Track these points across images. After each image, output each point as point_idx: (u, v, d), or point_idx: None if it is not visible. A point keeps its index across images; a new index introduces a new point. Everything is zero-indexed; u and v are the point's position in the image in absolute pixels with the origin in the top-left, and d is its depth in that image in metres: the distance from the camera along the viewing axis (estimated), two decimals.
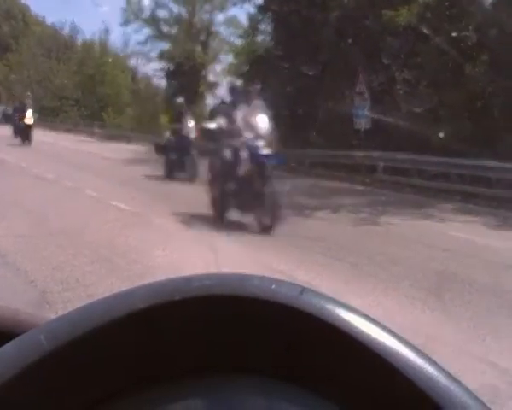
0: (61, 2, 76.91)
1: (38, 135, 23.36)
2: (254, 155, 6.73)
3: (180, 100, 12.90)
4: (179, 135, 11.81)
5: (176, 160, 11.55)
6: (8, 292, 4.14)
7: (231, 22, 33.16)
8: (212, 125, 7.81)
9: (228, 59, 32.15)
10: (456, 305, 4.32)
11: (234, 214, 7.16)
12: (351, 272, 5.20)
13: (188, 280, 0.41)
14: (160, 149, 12.48)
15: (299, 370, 0.41)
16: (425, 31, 13.91)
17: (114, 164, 15.32)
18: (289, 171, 15.76)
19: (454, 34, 13.67)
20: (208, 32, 34.64)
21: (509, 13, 12.49)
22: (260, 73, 20.26)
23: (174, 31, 34.60)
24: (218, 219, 7.19)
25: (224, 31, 34.89)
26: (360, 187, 12.72)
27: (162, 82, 35.92)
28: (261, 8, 21.43)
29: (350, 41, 16.76)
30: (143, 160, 17.42)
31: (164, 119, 25.70)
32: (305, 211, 8.80)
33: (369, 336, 0.39)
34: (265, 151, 6.78)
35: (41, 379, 0.38)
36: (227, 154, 7.10)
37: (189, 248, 5.83)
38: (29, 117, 18.49)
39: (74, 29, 44.58)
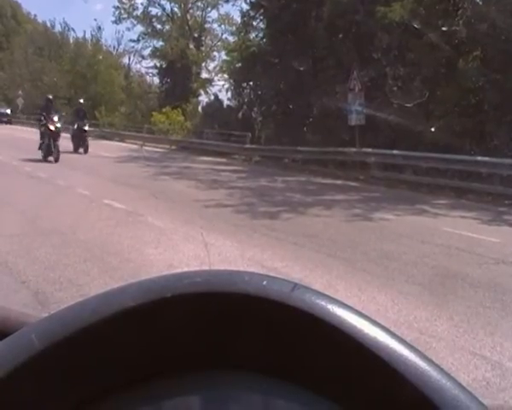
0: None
1: (29, 133, 23.24)
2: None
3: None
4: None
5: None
6: None
7: (224, 19, 33.14)
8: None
9: (221, 56, 32.13)
10: (450, 300, 4.34)
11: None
12: (344, 269, 5.21)
13: (178, 277, 0.41)
14: None
15: (293, 366, 0.41)
16: (417, 26, 13.94)
17: (107, 162, 15.29)
18: (283, 168, 15.78)
19: (444, 29, 13.70)
20: (201, 29, 34.59)
21: (499, 8, 12.54)
22: (253, 69, 20.26)
23: (167, 28, 34.52)
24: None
25: (217, 28, 34.90)
26: (353, 183, 12.74)
27: (155, 79, 35.90)
28: (253, 5, 21.41)
29: (341, 36, 16.77)
30: (136, 157, 17.39)
31: (156, 116, 25.62)
32: (298, 208, 8.82)
33: (361, 331, 0.39)
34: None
35: (32, 378, 0.38)
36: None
37: (181, 246, 5.82)
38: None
39: (65, 27, 44.31)
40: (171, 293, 0.40)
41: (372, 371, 0.38)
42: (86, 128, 18.19)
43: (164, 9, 34.47)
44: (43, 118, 15.17)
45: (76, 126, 17.95)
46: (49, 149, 14.52)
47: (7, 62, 44.43)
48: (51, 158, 14.46)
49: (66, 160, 14.85)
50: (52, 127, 14.72)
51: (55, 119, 15.11)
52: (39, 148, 14.97)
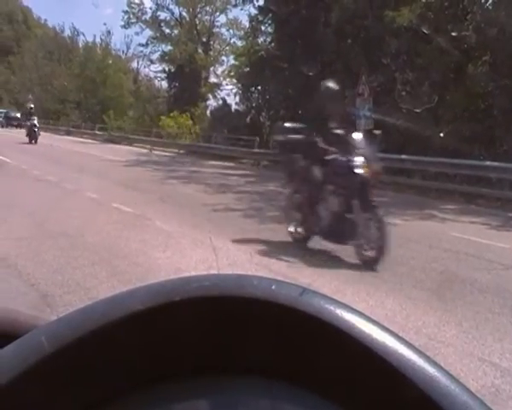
0: (64, 4, 77.21)
1: (39, 137, 23.42)
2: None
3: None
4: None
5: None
6: (9, 295, 4.14)
7: (232, 24, 33.27)
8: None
9: (229, 60, 32.24)
10: (458, 305, 4.31)
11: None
12: (353, 273, 5.19)
13: (187, 281, 0.41)
14: None
15: (301, 370, 0.41)
16: (426, 31, 13.92)
17: (116, 166, 15.35)
18: None
19: (454, 33, 13.67)
20: (209, 33, 34.73)
21: (508, 13, 12.49)
22: (261, 74, 20.29)
23: (175, 32, 34.70)
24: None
25: (225, 32, 35.04)
26: None
27: (163, 84, 36.10)
28: (261, 9, 21.46)
29: (350, 41, 16.77)
30: (145, 162, 17.47)
31: (165, 120, 25.71)
32: None
33: (369, 336, 0.39)
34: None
35: (42, 380, 0.38)
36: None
37: (189, 250, 5.83)
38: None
39: (74, 32, 44.70)
40: (180, 297, 0.40)
41: (380, 375, 0.38)
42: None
43: (172, 14, 34.69)
44: (319, 142, 5.88)
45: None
46: (342, 231, 5.65)
47: (17, 66, 44.85)
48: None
49: (73, 163, 14.80)
50: (366, 172, 5.57)
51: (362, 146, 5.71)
52: (303, 229, 6.23)
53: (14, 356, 0.38)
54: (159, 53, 35.42)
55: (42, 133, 24.00)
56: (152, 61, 36.98)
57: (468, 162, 11.76)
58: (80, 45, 43.35)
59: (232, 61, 29.72)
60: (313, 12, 17.53)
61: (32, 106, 25.30)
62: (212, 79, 34.05)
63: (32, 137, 23.15)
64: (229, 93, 37.27)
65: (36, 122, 23.50)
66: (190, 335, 0.41)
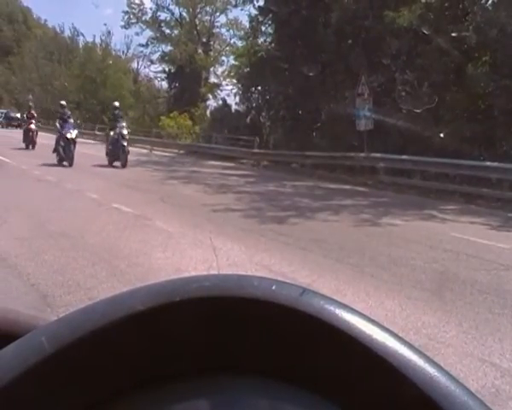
0: (64, 4, 77.25)
1: (39, 138, 23.38)
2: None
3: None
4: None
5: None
6: (9, 295, 4.14)
7: (233, 24, 33.29)
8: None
9: (229, 61, 32.26)
10: (458, 306, 4.31)
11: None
12: (352, 274, 5.19)
13: (187, 281, 0.41)
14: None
15: (301, 370, 0.41)
16: (426, 31, 13.92)
17: (116, 166, 15.33)
18: (291, 172, 15.78)
19: (454, 34, 13.67)
20: (210, 34, 34.74)
21: (508, 13, 12.49)
22: (261, 74, 20.30)
23: (175, 33, 34.73)
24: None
25: (225, 33, 35.07)
26: (362, 188, 12.71)
27: (163, 84, 36.12)
28: (262, 10, 21.46)
29: (350, 42, 16.78)
30: (145, 162, 17.47)
31: (165, 121, 25.71)
32: (306, 213, 8.81)
33: (369, 336, 0.39)
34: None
35: (42, 380, 0.38)
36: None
37: (189, 250, 5.83)
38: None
39: (74, 32, 44.73)
40: (180, 297, 0.40)
41: (381, 376, 0.38)
42: None
43: (173, 14, 34.72)
44: None
45: None
46: None
47: (17, 67, 44.86)
48: None
49: (74, 163, 14.86)
50: None
51: None
52: None
53: (15, 356, 0.38)
54: (159, 53, 35.49)
55: (42, 134, 23.61)
56: (152, 62, 37.07)
57: (469, 163, 11.76)
58: (80, 46, 43.40)
59: (232, 62, 29.74)
60: (313, 12, 17.52)
61: (117, 104, 16.59)
62: (212, 80, 34.09)
63: (121, 155, 14.72)
64: (229, 93, 37.26)
65: (125, 131, 15.02)
66: (190, 335, 0.41)
